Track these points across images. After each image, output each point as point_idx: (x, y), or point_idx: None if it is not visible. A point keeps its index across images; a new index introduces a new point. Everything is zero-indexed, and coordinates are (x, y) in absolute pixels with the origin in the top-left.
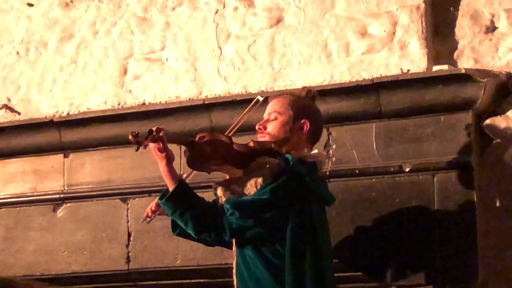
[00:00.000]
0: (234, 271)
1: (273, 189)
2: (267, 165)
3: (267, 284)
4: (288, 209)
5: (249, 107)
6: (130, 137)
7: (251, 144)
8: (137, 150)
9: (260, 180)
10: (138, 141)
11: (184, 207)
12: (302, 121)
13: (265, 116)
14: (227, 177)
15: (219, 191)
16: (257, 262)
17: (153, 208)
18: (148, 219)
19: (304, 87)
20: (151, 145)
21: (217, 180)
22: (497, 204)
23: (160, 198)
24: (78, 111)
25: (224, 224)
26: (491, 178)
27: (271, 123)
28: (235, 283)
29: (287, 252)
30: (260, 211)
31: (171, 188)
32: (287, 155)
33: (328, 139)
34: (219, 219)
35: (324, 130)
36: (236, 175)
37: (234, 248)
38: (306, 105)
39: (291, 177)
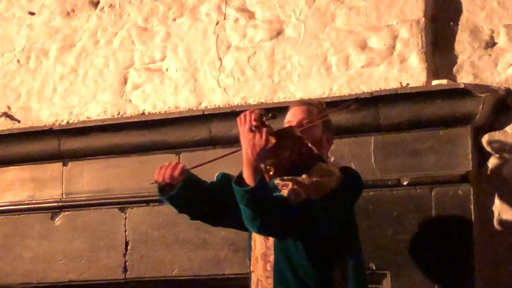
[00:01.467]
0: (264, 266)
1: (341, 196)
2: (332, 173)
3: (311, 279)
4: (347, 215)
5: (339, 108)
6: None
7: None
8: (251, 130)
9: (323, 184)
10: (262, 122)
11: (261, 205)
12: (328, 134)
13: (294, 120)
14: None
15: (290, 187)
16: (302, 257)
17: (175, 175)
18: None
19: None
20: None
21: (284, 177)
22: (495, 218)
23: (236, 183)
24: (78, 120)
25: (280, 221)
26: (489, 192)
27: (306, 131)
28: (267, 279)
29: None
30: (329, 215)
31: (250, 179)
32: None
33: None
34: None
35: None
36: (275, 172)
37: (264, 243)
38: (329, 119)
39: (350, 187)
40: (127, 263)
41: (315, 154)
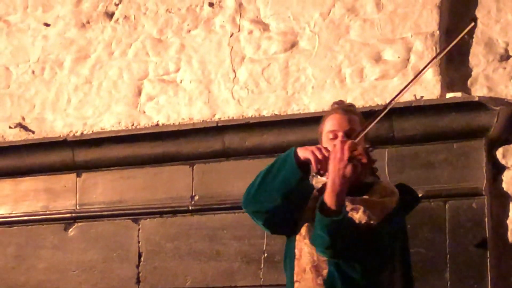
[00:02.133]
0: (315, 279)
1: (401, 216)
2: (394, 193)
3: None
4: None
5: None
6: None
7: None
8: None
9: (386, 205)
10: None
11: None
12: (367, 145)
13: (340, 133)
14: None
15: (360, 213)
16: (357, 273)
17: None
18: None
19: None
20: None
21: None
22: (509, 232)
23: (320, 212)
24: (92, 131)
25: (354, 247)
26: (503, 206)
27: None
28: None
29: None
30: (393, 237)
31: (333, 207)
32: None
33: None
34: None
35: None
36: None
37: (316, 256)
38: None
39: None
40: (140, 274)
41: (374, 170)
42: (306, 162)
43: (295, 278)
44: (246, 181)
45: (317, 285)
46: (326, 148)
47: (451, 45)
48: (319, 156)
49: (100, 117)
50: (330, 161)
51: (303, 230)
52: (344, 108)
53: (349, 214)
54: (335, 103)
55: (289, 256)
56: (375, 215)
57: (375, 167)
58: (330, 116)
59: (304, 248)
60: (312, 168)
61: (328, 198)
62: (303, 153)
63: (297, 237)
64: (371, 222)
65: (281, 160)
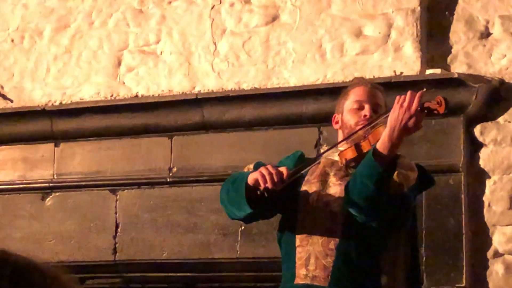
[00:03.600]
0: (327, 243)
1: (417, 193)
2: (414, 169)
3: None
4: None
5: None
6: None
7: None
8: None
9: (409, 178)
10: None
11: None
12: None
13: (367, 104)
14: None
15: (395, 174)
16: (374, 239)
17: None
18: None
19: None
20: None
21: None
22: (485, 209)
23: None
24: (71, 101)
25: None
26: (480, 183)
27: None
28: (327, 257)
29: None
30: (413, 209)
31: (385, 158)
32: None
33: (319, 138)
34: None
35: (315, 129)
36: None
37: (331, 220)
38: None
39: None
40: (117, 245)
41: None
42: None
43: (297, 243)
44: (225, 154)
45: (328, 249)
46: (275, 167)
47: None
48: (265, 172)
49: (79, 87)
50: (394, 109)
51: (313, 195)
52: (371, 83)
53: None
54: (357, 78)
55: (288, 223)
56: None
57: None
58: (357, 88)
59: (313, 213)
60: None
61: (382, 147)
62: (252, 176)
63: (301, 203)
64: (404, 186)
65: (237, 183)
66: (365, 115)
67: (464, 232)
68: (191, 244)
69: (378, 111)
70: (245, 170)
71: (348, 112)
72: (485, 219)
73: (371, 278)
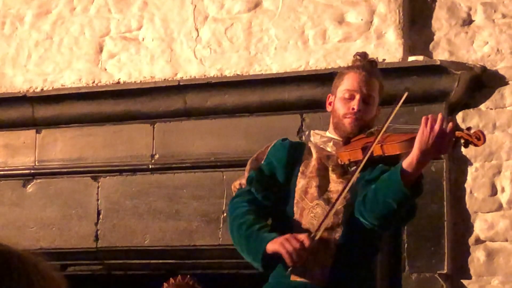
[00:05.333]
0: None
1: None
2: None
3: (364, 269)
4: None
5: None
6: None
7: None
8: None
9: None
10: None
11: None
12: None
13: (357, 95)
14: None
15: None
16: (373, 235)
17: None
18: None
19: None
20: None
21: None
22: (467, 196)
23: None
24: (52, 87)
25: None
26: (461, 170)
27: (368, 108)
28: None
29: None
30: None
31: (411, 179)
32: None
33: (302, 125)
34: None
35: (298, 116)
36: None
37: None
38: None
39: None
40: (98, 232)
41: None
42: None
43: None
44: (207, 141)
45: (327, 248)
46: (295, 237)
47: (393, 113)
48: (289, 248)
49: (60, 73)
50: (422, 131)
51: (312, 190)
52: (368, 69)
53: None
54: (358, 55)
55: (282, 215)
56: None
57: None
58: (351, 74)
59: (312, 209)
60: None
61: (409, 168)
62: (272, 246)
63: (297, 197)
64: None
65: (253, 248)
66: (353, 108)
67: (446, 219)
68: (173, 231)
69: (370, 102)
70: (236, 187)
71: (339, 100)
72: (467, 206)
73: (365, 279)
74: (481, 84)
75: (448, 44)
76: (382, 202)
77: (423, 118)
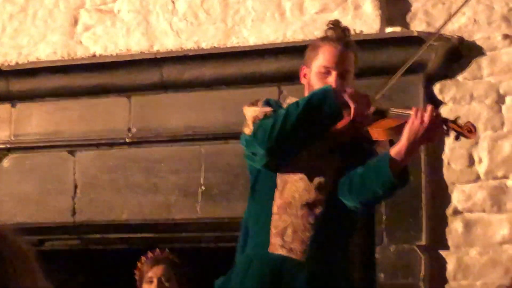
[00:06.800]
0: (307, 217)
1: None
2: None
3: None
4: None
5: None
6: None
7: None
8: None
9: None
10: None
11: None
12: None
13: (334, 71)
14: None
15: None
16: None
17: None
18: None
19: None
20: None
21: None
22: (444, 167)
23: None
24: (27, 61)
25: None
26: (439, 141)
27: (345, 83)
28: (305, 232)
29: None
30: None
31: (398, 168)
32: None
33: (279, 97)
34: None
35: (275, 88)
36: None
37: (315, 194)
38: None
39: None
40: (76, 206)
41: None
42: (342, 106)
43: (274, 210)
44: (184, 114)
45: (307, 223)
46: (364, 95)
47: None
48: (361, 101)
49: (35, 46)
50: (411, 121)
51: (298, 167)
52: (343, 42)
53: None
54: (331, 24)
55: (264, 186)
56: None
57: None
58: (327, 48)
59: (301, 186)
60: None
61: (400, 158)
62: (341, 96)
63: (283, 168)
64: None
65: (317, 100)
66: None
67: (423, 190)
68: (151, 205)
69: (346, 77)
70: (258, 117)
71: (315, 75)
72: (445, 177)
73: (344, 256)
74: (459, 55)
75: (426, 15)
76: (369, 189)
77: (413, 109)
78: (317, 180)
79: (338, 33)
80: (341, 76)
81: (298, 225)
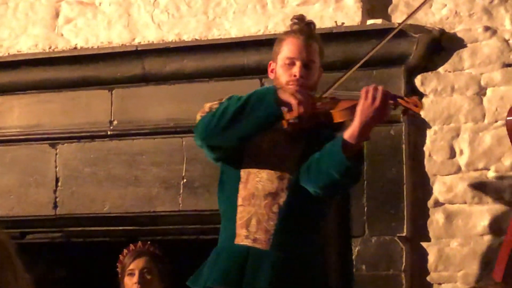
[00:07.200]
0: (270, 206)
1: None
2: None
3: (315, 226)
4: None
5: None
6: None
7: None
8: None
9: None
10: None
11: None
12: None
13: (298, 62)
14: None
15: None
16: (319, 205)
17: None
18: None
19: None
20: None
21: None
22: (426, 159)
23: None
24: (8, 54)
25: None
26: (420, 133)
27: (310, 72)
28: (269, 221)
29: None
30: None
31: (354, 150)
32: None
33: None
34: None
35: (257, 81)
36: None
37: (277, 183)
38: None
39: None
40: (57, 199)
41: None
42: (282, 104)
43: (239, 202)
44: (166, 106)
45: (271, 212)
46: (304, 90)
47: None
48: (301, 98)
49: (16, 39)
50: (361, 103)
51: (259, 157)
52: (306, 33)
53: None
54: (296, 18)
55: (229, 179)
56: None
57: None
58: (290, 40)
59: (264, 176)
60: (288, 113)
61: (353, 140)
62: (282, 94)
63: (246, 160)
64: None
65: (256, 98)
66: (294, 75)
67: (405, 182)
68: (133, 197)
69: (311, 67)
70: (209, 109)
71: (281, 67)
72: (426, 169)
73: (311, 243)
74: (440, 47)
75: (407, 7)
76: (325, 173)
77: (363, 90)
78: (279, 169)
79: (301, 26)
80: (306, 66)
81: (262, 215)
